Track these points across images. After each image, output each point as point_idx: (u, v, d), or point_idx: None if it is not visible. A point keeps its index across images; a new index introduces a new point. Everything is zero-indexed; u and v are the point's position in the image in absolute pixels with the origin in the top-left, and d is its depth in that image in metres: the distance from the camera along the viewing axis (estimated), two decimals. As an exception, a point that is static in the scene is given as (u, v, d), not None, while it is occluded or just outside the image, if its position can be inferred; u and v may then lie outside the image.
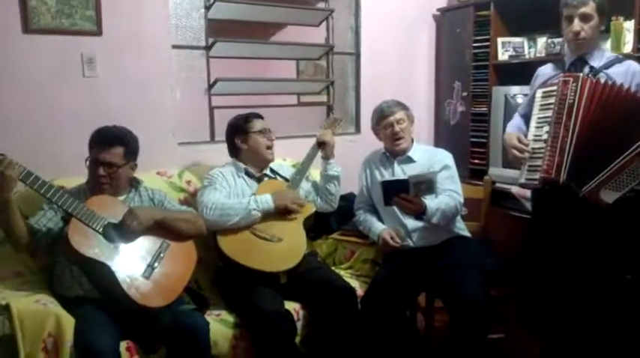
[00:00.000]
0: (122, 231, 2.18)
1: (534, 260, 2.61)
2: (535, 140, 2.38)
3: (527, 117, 2.56)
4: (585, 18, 2.35)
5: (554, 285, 2.50)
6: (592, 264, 2.38)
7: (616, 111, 2.22)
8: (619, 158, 2.19)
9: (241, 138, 2.74)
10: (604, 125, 2.23)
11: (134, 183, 2.43)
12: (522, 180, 2.43)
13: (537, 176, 2.34)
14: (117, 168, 2.28)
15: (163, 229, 2.29)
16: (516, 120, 2.65)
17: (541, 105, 2.40)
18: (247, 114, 2.80)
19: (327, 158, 2.79)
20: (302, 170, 2.74)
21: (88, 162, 2.29)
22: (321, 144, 2.77)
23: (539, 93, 2.43)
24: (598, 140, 2.23)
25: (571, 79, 2.28)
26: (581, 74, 2.29)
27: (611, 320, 2.45)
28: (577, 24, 2.35)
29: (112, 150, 2.27)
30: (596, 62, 2.38)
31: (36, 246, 2.17)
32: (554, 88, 2.34)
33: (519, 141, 2.42)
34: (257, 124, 2.73)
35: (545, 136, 2.34)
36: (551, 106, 2.33)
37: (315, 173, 2.91)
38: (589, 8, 2.34)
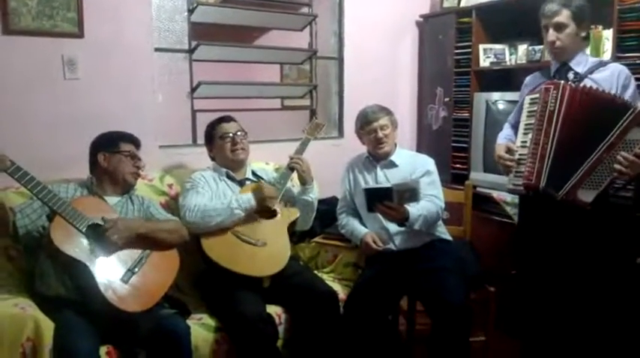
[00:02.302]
0: (102, 240, 2.16)
1: (519, 264, 2.63)
2: (522, 146, 2.40)
3: (516, 127, 2.57)
4: (560, 27, 2.36)
5: (540, 289, 2.51)
6: (580, 270, 2.39)
7: (590, 113, 2.24)
8: (590, 156, 2.22)
9: (209, 145, 2.77)
10: (581, 128, 2.26)
11: (129, 189, 2.47)
12: (510, 186, 2.46)
13: (521, 182, 2.37)
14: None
15: (146, 239, 2.28)
16: (506, 131, 2.67)
17: (528, 112, 2.42)
18: (214, 119, 2.78)
19: (302, 183, 2.74)
20: (285, 176, 2.73)
21: (112, 157, 2.40)
22: (292, 169, 2.72)
23: (527, 100, 2.45)
24: (575, 143, 2.26)
25: (552, 87, 2.30)
26: (562, 82, 2.31)
27: (594, 322, 2.47)
28: (552, 33, 2.38)
29: (137, 149, 2.49)
30: (580, 68, 2.40)
31: (14, 232, 2.18)
32: (538, 95, 2.36)
33: (508, 150, 2.44)
34: (219, 130, 2.72)
35: (529, 143, 2.36)
36: (535, 113, 2.36)
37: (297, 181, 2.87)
38: (563, 17, 2.35)
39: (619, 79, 2.33)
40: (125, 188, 2.45)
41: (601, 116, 2.22)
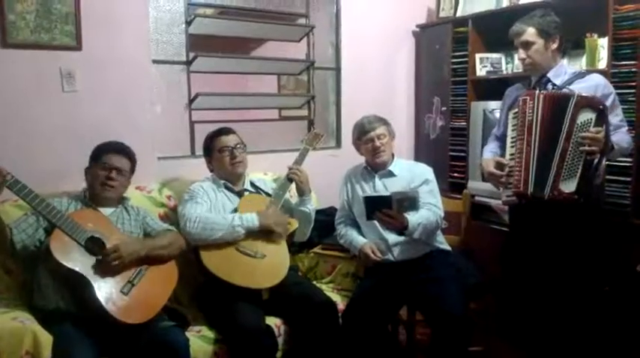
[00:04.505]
0: (101, 263, 2.15)
1: (511, 273, 2.65)
2: (511, 159, 2.46)
3: (501, 138, 2.65)
4: (526, 45, 2.47)
5: (532, 297, 2.54)
6: (568, 276, 2.43)
7: (550, 114, 2.33)
8: (556, 150, 2.30)
9: (208, 157, 2.77)
10: (548, 129, 2.33)
11: (122, 200, 2.46)
12: (503, 198, 2.52)
13: (512, 192, 2.42)
14: (123, 176, 2.41)
15: (147, 257, 2.28)
16: (491, 145, 2.74)
17: (512, 126, 2.49)
18: (213, 131, 2.78)
19: (300, 194, 2.75)
20: (283, 186, 2.73)
21: (90, 170, 2.40)
22: (290, 180, 2.73)
23: (510, 116, 2.52)
24: (547, 144, 2.33)
25: (528, 97, 2.38)
26: (537, 91, 2.38)
27: (589, 329, 2.49)
28: (520, 52, 2.50)
29: (122, 158, 2.42)
30: (558, 80, 2.47)
31: (11, 248, 2.15)
32: (517, 109, 2.43)
33: (498, 164, 2.50)
34: (218, 143, 2.71)
35: (515, 154, 2.42)
36: (517, 126, 2.43)
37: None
38: (527, 35, 2.46)
39: (597, 88, 2.39)
40: (117, 199, 2.44)
41: (555, 113, 2.31)
